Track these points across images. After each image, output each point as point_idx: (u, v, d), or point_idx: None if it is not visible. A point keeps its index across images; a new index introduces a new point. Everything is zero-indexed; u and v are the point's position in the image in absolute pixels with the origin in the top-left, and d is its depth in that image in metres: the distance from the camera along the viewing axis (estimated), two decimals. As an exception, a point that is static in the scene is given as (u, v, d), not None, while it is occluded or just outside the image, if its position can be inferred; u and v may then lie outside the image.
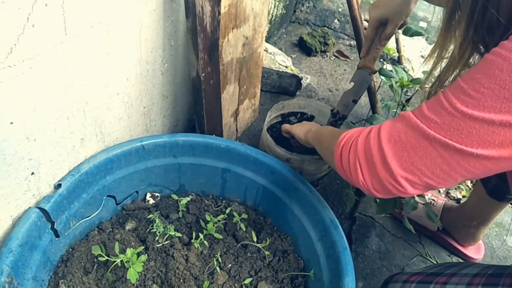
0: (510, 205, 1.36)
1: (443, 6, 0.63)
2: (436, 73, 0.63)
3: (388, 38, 0.93)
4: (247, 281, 0.85)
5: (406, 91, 1.19)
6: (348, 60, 1.90)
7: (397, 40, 1.87)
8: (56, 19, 0.60)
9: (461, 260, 1.19)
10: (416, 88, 1.19)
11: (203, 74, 0.94)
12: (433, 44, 0.62)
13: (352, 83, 1.01)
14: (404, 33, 1.00)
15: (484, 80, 0.48)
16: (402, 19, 0.89)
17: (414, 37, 2.07)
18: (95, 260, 0.81)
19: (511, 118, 0.47)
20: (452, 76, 0.59)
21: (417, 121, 0.55)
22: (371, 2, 2.40)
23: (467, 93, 0.50)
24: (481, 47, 0.55)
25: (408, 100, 1.18)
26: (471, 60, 0.58)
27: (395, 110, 1.23)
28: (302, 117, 1.26)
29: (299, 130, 0.96)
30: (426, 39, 1.04)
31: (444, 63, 0.60)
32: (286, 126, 1.03)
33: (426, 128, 0.53)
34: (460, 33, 0.54)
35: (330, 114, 1.09)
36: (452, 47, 0.58)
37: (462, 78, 0.52)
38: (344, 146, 0.65)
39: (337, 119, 1.07)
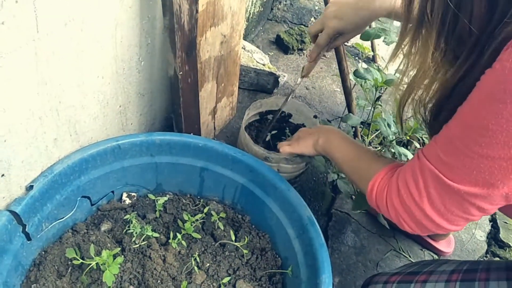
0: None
1: (400, 20, 0.63)
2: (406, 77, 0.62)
3: (334, 47, 0.95)
4: (225, 280, 0.85)
5: (381, 88, 1.21)
6: (324, 58, 1.92)
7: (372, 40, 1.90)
8: (27, 17, 0.58)
9: (432, 254, 1.23)
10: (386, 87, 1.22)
11: (181, 73, 0.93)
12: (395, 47, 0.61)
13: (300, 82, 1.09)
14: (363, 38, 1.01)
15: (489, 117, 0.48)
16: (354, 35, 0.92)
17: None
18: (69, 263, 0.79)
19: None
20: (424, 83, 0.59)
21: (442, 177, 0.55)
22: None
23: (479, 133, 0.50)
24: (451, 58, 0.54)
25: (378, 99, 1.21)
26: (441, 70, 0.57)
27: (369, 108, 1.26)
28: (280, 115, 1.27)
29: (304, 147, 0.96)
30: (384, 40, 1.04)
31: (412, 70, 0.60)
32: (286, 149, 1.00)
33: (452, 183, 0.54)
34: (431, 43, 0.53)
35: (277, 114, 1.15)
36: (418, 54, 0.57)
37: (465, 116, 0.52)
38: (378, 199, 0.67)
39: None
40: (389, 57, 0.63)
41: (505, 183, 0.51)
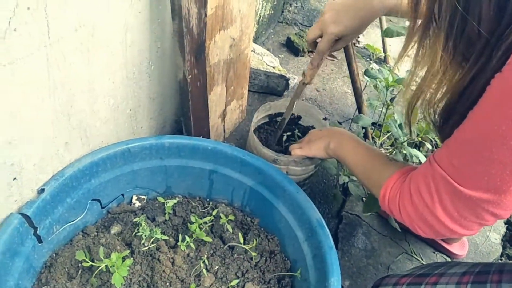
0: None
1: (406, 17, 0.62)
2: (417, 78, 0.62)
3: (335, 51, 0.94)
4: (234, 282, 0.85)
5: (392, 90, 1.20)
6: (335, 60, 1.91)
7: (383, 40, 1.89)
8: (39, 23, 0.59)
9: (445, 257, 1.21)
10: (401, 87, 1.21)
11: (190, 76, 0.94)
12: (402, 48, 0.60)
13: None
14: (386, 35, 1.01)
15: (500, 123, 0.48)
16: (354, 38, 0.90)
17: (400, 37, 2.09)
18: (80, 265, 0.80)
19: None
20: (433, 85, 0.58)
21: (453, 183, 0.55)
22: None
23: (489, 139, 0.50)
24: (460, 60, 0.54)
25: (392, 99, 1.20)
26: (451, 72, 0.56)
27: (380, 109, 1.25)
28: (289, 117, 1.26)
29: (316, 150, 0.96)
30: (405, 39, 1.05)
31: (421, 71, 0.59)
32: (297, 152, 1.00)
33: (464, 189, 0.54)
34: (440, 45, 0.52)
35: (281, 120, 1.14)
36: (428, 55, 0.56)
37: (476, 121, 0.52)
38: (391, 204, 0.67)
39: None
40: (397, 57, 0.63)
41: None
